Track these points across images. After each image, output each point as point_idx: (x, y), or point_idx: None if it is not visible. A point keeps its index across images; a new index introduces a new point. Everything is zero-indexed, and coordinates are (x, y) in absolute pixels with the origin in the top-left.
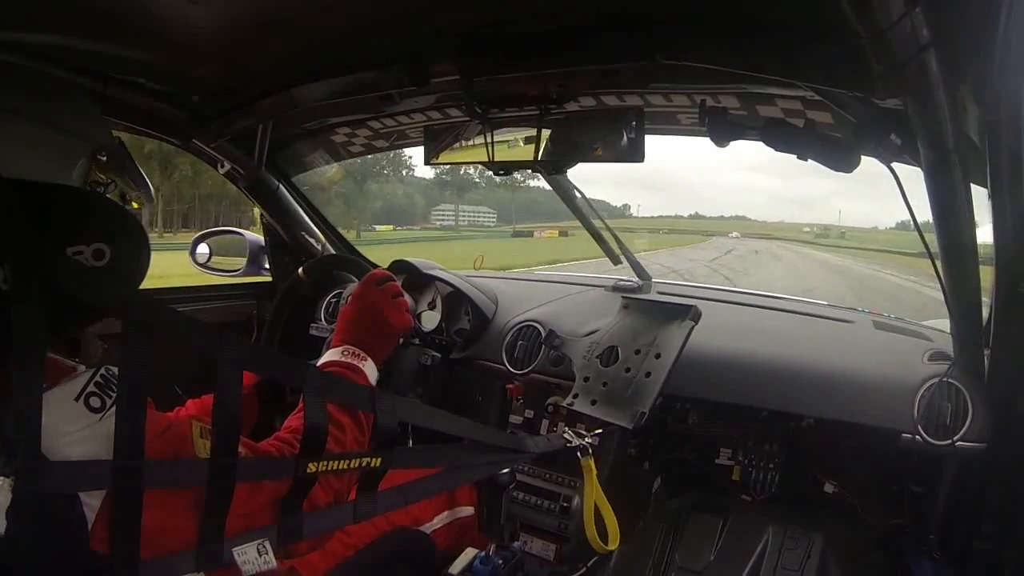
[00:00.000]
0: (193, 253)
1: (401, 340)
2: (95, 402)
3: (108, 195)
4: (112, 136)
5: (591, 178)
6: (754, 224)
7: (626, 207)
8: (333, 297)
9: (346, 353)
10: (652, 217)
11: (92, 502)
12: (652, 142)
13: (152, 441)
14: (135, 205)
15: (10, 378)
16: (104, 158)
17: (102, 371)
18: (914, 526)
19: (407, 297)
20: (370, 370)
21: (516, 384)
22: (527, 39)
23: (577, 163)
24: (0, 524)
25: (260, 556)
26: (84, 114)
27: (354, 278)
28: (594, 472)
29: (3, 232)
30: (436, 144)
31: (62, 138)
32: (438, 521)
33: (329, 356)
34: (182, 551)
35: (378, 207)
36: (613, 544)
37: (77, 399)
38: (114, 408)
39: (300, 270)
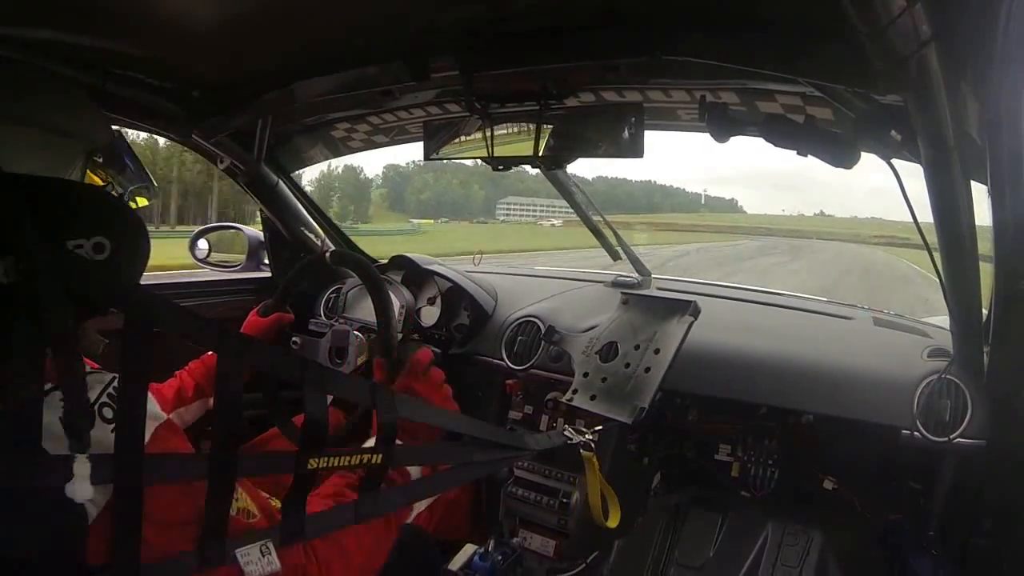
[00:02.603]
0: (192, 248)
1: (400, 335)
2: (108, 413)
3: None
4: (110, 133)
5: (722, 178)
6: (888, 225)
7: (733, 201)
8: (332, 292)
9: None
10: (757, 215)
11: (92, 510)
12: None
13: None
14: (141, 201)
15: (10, 374)
16: (100, 159)
17: (114, 383)
18: (913, 522)
19: (407, 303)
20: (414, 468)
21: (515, 380)
22: (527, 35)
23: (577, 159)
24: None
25: (263, 556)
26: (80, 114)
27: (353, 274)
28: (596, 464)
29: (4, 226)
30: (436, 139)
31: (57, 140)
32: (422, 503)
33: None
34: (183, 552)
35: (425, 198)
36: (612, 522)
37: (91, 407)
38: None
39: (328, 255)
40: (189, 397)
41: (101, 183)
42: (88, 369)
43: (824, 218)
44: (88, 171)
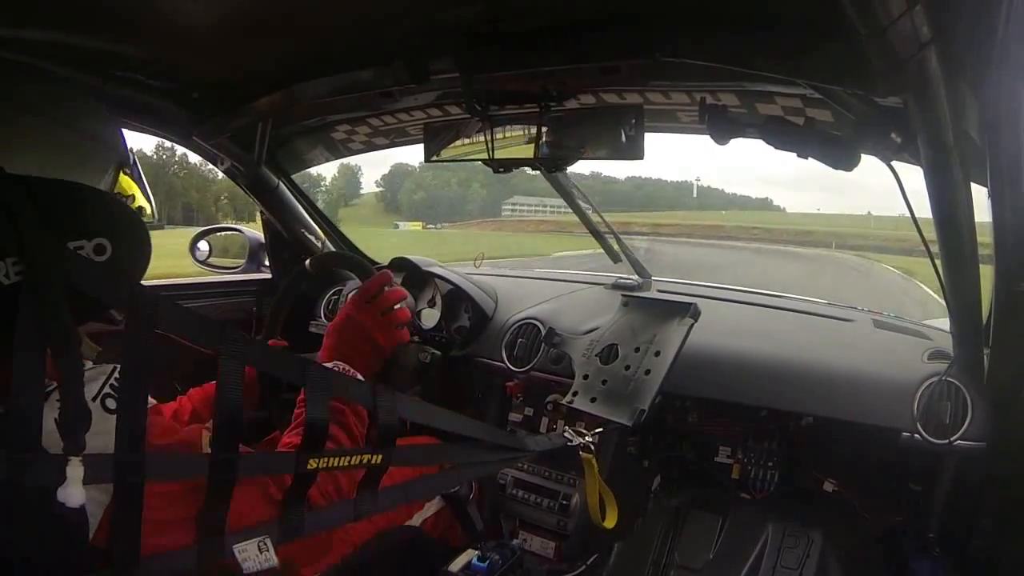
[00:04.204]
0: (193, 250)
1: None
2: (111, 404)
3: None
4: (129, 150)
5: (770, 178)
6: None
7: (767, 200)
8: (333, 294)
9: (336, 365)
10: (803, 214)
11: (95, 510)
12: None
13: (159, 443)
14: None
15: (10, 374)
16: (128, 172)
17: (116, 374)
18: (913, 524)
19: (406, 302)
20: None
21: (516, 382)
22: (527, 36)
23: (577, 161)
24: None
25: (261, 553)
26: (110, 125)
27: (353, 275)
28: (595, 466)
29: (6, 227)
30: (436, 141)
31: (93, 147)
32: (428, 511)
33: None
34: (183, 547)
35: (418, 199)
36: (610, 523)
37: (94, 400)
38: None
39: (307, 263)
40: (184, 420)
41: (126, 194)
42: (89, 366)
43: (863, 218)
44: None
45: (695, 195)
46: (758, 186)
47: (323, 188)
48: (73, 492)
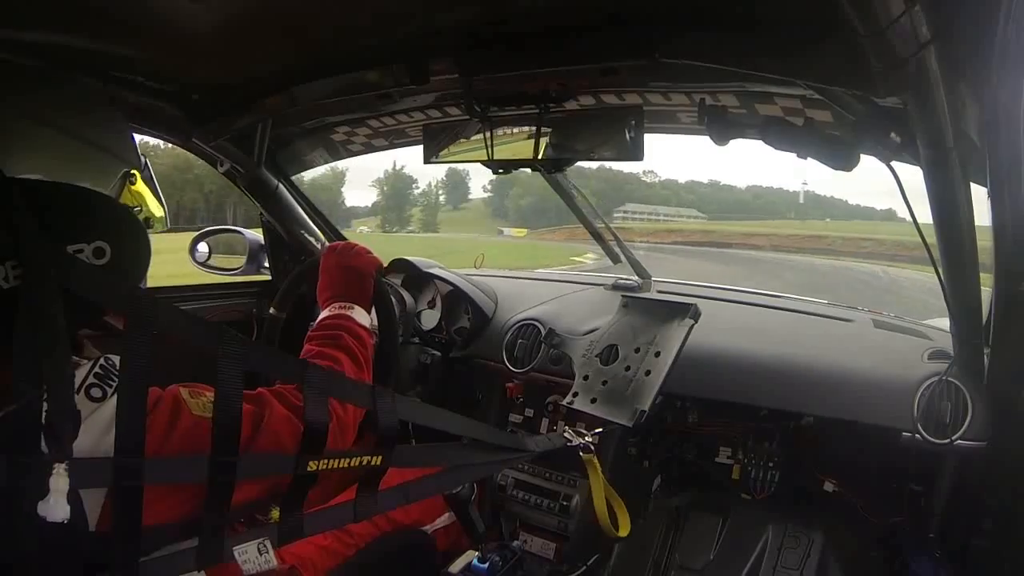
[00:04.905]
0: (193, 252)
1: (401, 340)
2: (96, 392)
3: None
4: (140, 158)
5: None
6: None
7: (892, 211)
8: None
9: (333, 308)
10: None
11: (95, 501)
12: None
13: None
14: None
15: (10, 376)
16: (134, 183)
17: (101, 361)
18: (913, 524)
19: (407, 302)
20: (359, 315)
21: (516, 383)
22: (526, 37)
23: (577, 162)
24: None
25: (260, 555)
26: (121, 135)
27: None
28: (599, 467)
29: (6, 230)
30: (436, 143)
31: (99, 156)
32: (440, 523)
33: (321, 316)
34: (183, 549)
35: (524, 204)
36: (624, 531)
37: (78, 392)
38: (115, 396)
39: (271, 308)
40: None
41: (133, 204)
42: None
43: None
44: (124, 188)
45: (802, 201)
46: (883, 197)
47: (418, 190)
48: (56, 505)
